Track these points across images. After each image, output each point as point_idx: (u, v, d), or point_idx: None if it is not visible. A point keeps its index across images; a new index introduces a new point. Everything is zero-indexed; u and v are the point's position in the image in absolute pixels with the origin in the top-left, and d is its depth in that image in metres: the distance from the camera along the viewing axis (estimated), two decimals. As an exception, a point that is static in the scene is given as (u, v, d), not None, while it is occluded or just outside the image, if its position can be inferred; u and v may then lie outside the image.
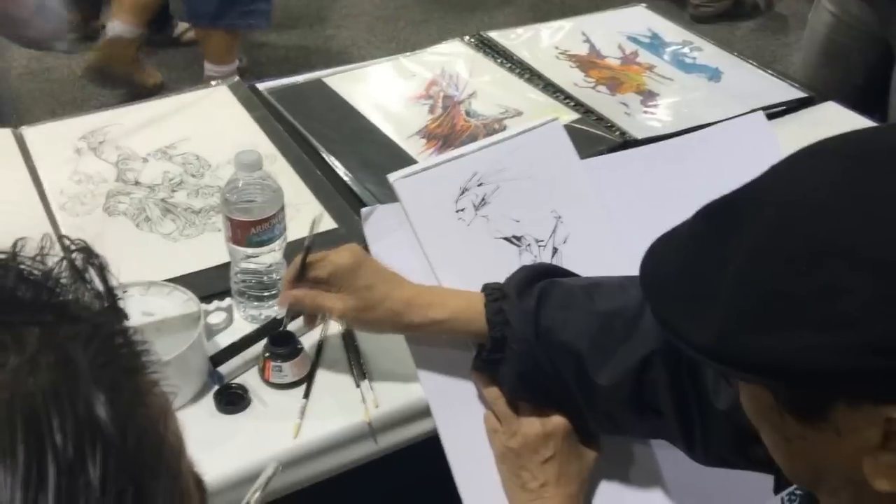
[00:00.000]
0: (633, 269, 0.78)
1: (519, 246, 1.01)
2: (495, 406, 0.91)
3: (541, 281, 0.89)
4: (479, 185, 1.01)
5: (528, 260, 1.00)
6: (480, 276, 0.96)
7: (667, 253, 0.63)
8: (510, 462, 0.90)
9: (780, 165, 0.59)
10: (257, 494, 0.58)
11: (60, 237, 0.41)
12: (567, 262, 1.01)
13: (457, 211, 0.99)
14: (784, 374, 0.54)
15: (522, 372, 0.87)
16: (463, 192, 1.00)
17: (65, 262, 0.39)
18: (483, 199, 1.00)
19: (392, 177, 0.98)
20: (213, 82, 1.53)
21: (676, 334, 0.60)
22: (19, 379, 0.34)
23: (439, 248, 0.97)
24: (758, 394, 0.59)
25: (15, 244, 0.40)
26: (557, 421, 0.89)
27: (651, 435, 0.93)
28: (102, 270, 0.40)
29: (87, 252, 0.40)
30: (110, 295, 0.40)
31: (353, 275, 0.90)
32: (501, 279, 0.93)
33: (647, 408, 0.84)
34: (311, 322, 0.98)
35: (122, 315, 0.40)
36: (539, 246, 1.01)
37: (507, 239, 1.01)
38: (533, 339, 0.85)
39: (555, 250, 1.02)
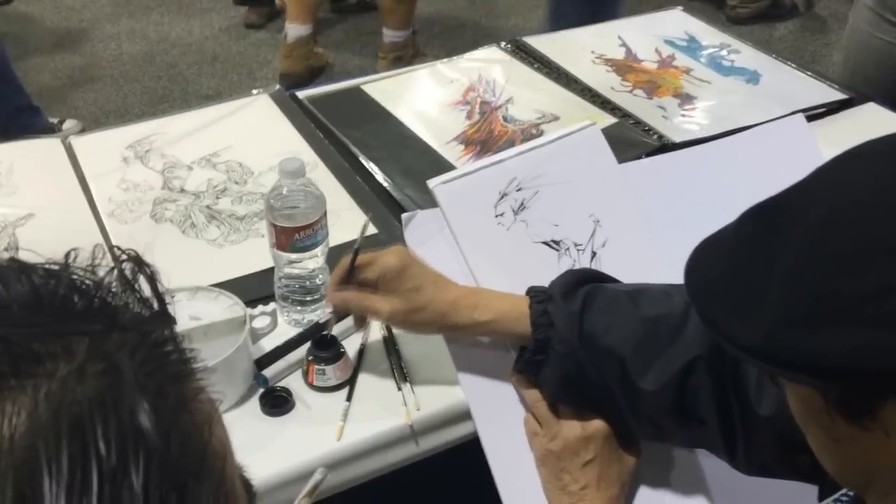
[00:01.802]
0: (671, 273, 0.79)
1: (558, 250, 1.02)
2: (535, 409, 0.92)
3: (585, 285, 0.89)
4: (518, 189, 1.02)
5: (566, 264, 1.01)
6: (520, 281, 0.97)
7: (712, 255, 0.64)
8: (551, 465, 0.90)
9: (826, 167, 0.60)
10: (305, 500, 0.59)
11: (111, 247, 0.42)
12: (606, 266, 1.02)
13: (496, 216, 1.00)
14: (835, 373, 0.55)
15: (565, 375, 0.88)
16: (502, 197, 1.01)
17: (115, 272, 0.41)
18: (522, 204, 1.01)
19: (431, 182, 0.99)
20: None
21: (724, 336, 0.60)
22: (67, 388, 0.35)
23: (479, 252, 0.98)
24: (806, 395, 0.60)
25: (67, 255, 0.41)
26: (597, 424, 0.90)
27: (693, 443, 0.93)
28: (152, 279, 0.42)
29: (138, 261, 0.42)
30: (160, 303, 0.41)
31: (401, 277, 0.91)
32: (541, 283, 0.94)
33: (689, 415, 0.85)
34: (361, 323, 1.00)
35: (171, 322, 0.41)
36: (578, 250, 1.02)
37: (546, 243, 1.02)
38: (577, 343, 0.86)
39: (593, 254, 1.02)
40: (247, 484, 0.43)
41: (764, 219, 0.61)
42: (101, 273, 0.40)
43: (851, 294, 0.53)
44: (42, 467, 0.33)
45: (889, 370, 0.52)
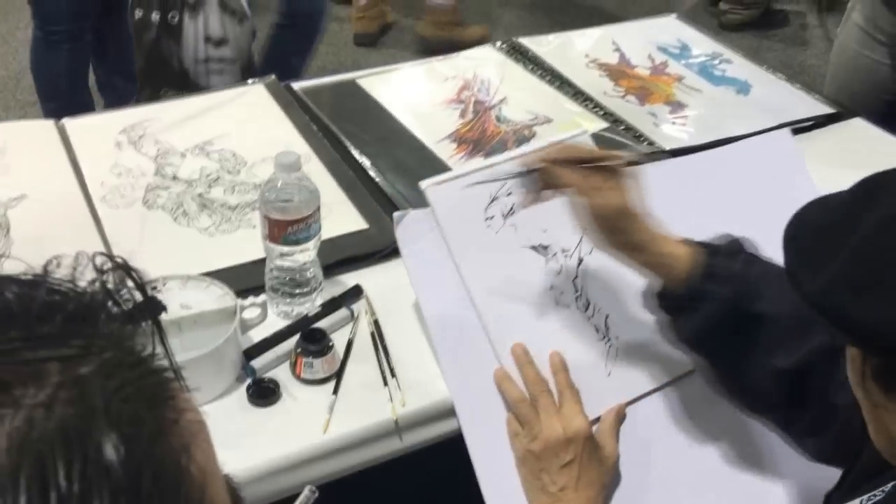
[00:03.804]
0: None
1: (545, 255, 1.03)
2: (517, 409, 0.94)
3: (744, 253, 0.92)
4: (509, 194, 1.03)
5: (553, 269, 1.03)
6: (507, 284, 0.99)
7: (816, 210, 0.69)
8: (531, 465, 0.92)
9: None
10: None
11: (94, 255, 0.39)
12: (592, 272, 1.03)
13: (486, 219, 1.02)
14: (872, 340, 0.60)
15: (708, 327, 0.88)
16: (492, 201, 1.03)
17: (98, 282, 0.38)
18: (511, 209, 1.03)
19: (423, 184, 1.01)
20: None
21: (792, 279, 0.65)
22: (32, 422, 0.33)
23: (468, 255, 1.00)
24: (854, 356, 0.65)
25: (47, 264, 0.39)
26: (578, 425, 0.91)
27: (782, 424, 0.93)
28: (142, 288, 0.40)
29: (126, 268, 0.39)
30: (151, 315, 0.39)
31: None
32: (528, 287, 0.97)
33: (796, 399, 0.86)
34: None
35: (160, 335, 0.40)
36: (565, 256, 1.03)
37: (533, 248, 1.03)
38: (730, 301, 0.88)
39: (580, 260, 1.04)
40: (235, 496, 0.42)
41: (866, 186, 0.65)
42: (83, 283, 0.38)
43: None
44: None
45: None
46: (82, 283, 0.39)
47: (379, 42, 3.50)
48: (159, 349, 0.40)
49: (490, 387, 0.97)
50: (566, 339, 0.99)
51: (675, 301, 0.91)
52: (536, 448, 0.91)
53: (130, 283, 0.40)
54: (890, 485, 0.68)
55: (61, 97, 2.37)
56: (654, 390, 1.01)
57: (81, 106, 2.26)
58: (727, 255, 0.91)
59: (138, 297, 0.40)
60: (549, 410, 0.93)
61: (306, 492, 0.55)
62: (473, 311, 0.99)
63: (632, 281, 1.02)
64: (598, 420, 0.96)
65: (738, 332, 0.88)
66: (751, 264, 0.90)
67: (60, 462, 0.32)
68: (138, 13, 1.83)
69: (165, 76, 1.83)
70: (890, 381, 0.61)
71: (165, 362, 0.39)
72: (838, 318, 0.61)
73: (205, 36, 1.82)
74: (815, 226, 0.67)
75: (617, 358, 1.01)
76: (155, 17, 1.80)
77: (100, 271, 0.39)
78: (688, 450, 1.00)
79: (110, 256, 0.39)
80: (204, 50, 1.82)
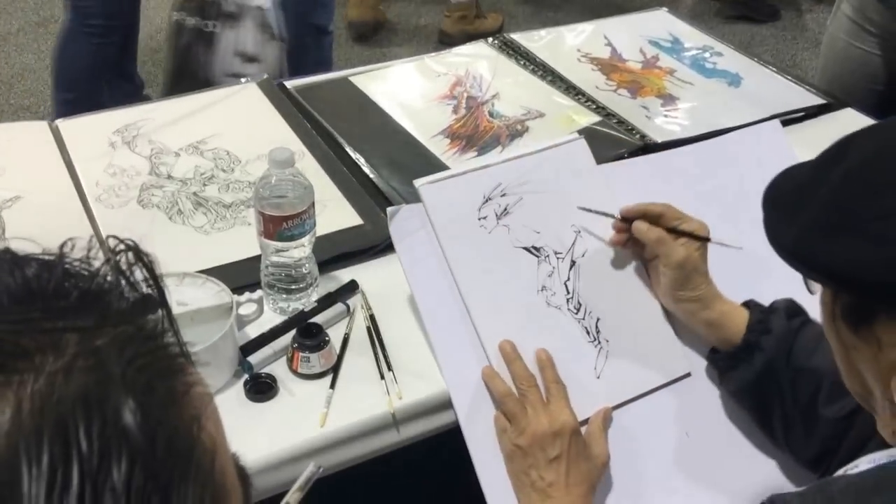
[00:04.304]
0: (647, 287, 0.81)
1: (538, 257, 1.03)
2: (504, 405, 0.94)
3: (801, 316, 0.97)
4: (503, 195, 1.03)
5: (545, 271, 1.03)
6: (498, 283, 1.00)
7: (790, 173, 0.73)
8: (518, 461, 0.92)
9: None
10: (297, 495, 0.58)
11: (108, 237, 0.41)
12: (584, 275, 1.04)
13: (479, 219, 1.02)
14: (839, 279, 0.64)
15: (758, 379, 0.94)
16: (486, 201, 1.03)
17: (110, 263, 0.40)
18: (505, 209, 1.03)
19: (418, 182, 1.01)
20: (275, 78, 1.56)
21: (771, 235, 0.70)
22: (53, 385, 0.35)
23: (460, 254, 1.00)
24: (826, 299, 0.70)
25: (63, 245, 0.40)
26: (565, 420, 0.91)
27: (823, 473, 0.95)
28: (150, 269, 0.41)
29: (136, 251, 0.41)
30: (158, 293, 0.41)
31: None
32: (519, 287, 0.99)
33: (841, 446, 0.89)
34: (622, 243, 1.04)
35: (167, 313, 0.41)
36: (558, 258, 1.04)
37: (526, 249, 1.03)
38: (785, 354, 0.93)
39: (573, 263, 1.04)
40: (242, 474, 0.43)
41: (836, 146, 0.69)
42: (96, 263, 0.40)
43: (866, 213, 0.63)
44: (22, 468, 0.33)
45: (879, 283, 0.61)
46: (95, 264, 0.40)
47: (384, 39, 3.51)
48: (167, 326, 0.41)
49: (477, 361, 0.98)
50: (556, 341, 0.99)
51: (728, 356, 0.97)
52: (524, 443, 0.91)
53: (135, 263, 0.41)
54: (865, 459, 0.69)
55: (79, 89, 2.39)
56: (645, 394, 1.01)
57: (95, 103, 2.27)
58: (784, 314, 0.96)
59: (146, 279, 0.42)
60: (537, 405, 0.93)
61: (311, 467, 0.56)
62: (462, 304, 0.99)
63: (624, 284, 1.04)
64: (586, 421, 0.96)
65: (790, 383, 0.93)
66: (805, 325, 0.96)
67: (81, 423, 0.34)
68: (176, 16, 1.83)
69: (190, 83, 1.81)
70: (857, 319, 0.65)
71: (173, 339, 0.41)
72: (810, 261, 0.66)
73: (238, 51, 1.82)
74: (789, 185, 0.72)
75: (607, 361, 1.01)
76: (192, 22, 1.80)
77: (113, 252, 0.40)
78: (681, 452, 1.00)
79: (122, 240, 0.41)
80: (233, 64, 1.82)
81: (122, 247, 0.40)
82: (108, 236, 0.41)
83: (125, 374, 0.36)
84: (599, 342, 1.01)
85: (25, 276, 0.38)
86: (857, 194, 0.64)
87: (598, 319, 1.02)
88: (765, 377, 0.94)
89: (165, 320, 0.40)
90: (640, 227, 1.00)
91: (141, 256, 0.41)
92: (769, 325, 0.95)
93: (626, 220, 1.02)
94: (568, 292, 1.03)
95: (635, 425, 0.99)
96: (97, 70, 2.42)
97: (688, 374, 1.03)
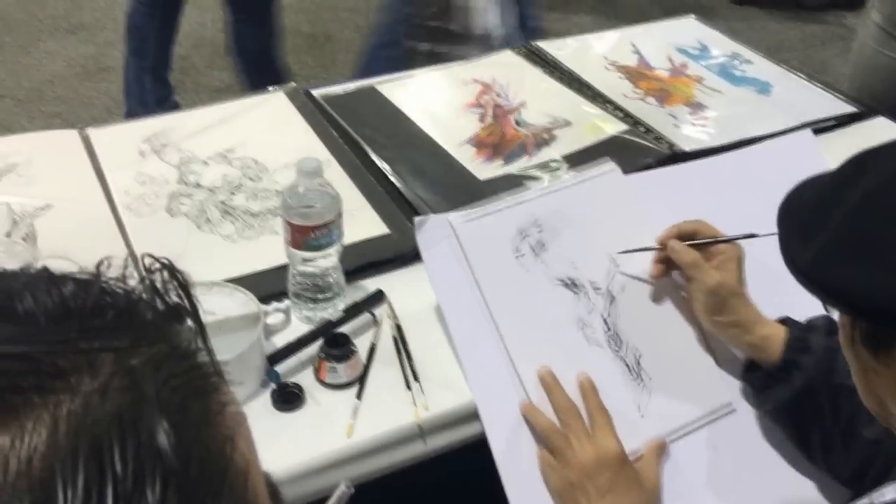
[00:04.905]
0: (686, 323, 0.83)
1: (576, 292, 1.02)
2: (549, 439, 0.92)
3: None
4: (539, 230, 1.03)
5: (584, 306, 1.01)
6: (536, 320, 0.99)
7: (807, 188, 0.71)
8: (568, 495, 0.89)
9: None
10: None
11: (143, 256, 0.42)
12: (623, 309, 1.02)
13: (516, 256, 1.01)
14: (856, 306, 0.63)
15: (797, 398, 0.92)
16: (523, 237, 1.02)
17: (146, 282, 0.40)
18: (542, 244, 1.02)
19: (453, 220, 1.01)
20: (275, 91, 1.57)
21: (786, 254, 0.68)
22: (89, 406, 0.35)
23: (498, 291, 0.99)
24: (844, 323, 0.68)
25: (99, 264, 0.41)
26: (610, 447, 0.90)
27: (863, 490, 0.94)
28: (185, 288, 0.41)
29: (171, 269, 0.41)
30: (192, 313, 0.41)
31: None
32: (557, 323, 0.98)
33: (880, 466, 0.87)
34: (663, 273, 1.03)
35: (202, 333, 0.41)
36: (596, 292, 1.02)
37: (564, 284, 1.02)
38: (825, 373, 0.91)
39: (612, 297, 1.03)
40: (274, 492, 0.43)
41: (855, 162, 0.67)
42: (132, 282, 0.40)
43: (886, 238, 0.61)
44: (58, 489, 0.33)
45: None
46: (131, 283, 0.41)
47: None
48: (201, 345, 0.41)
49: (513, 389, 0.97)
50: (597, 378, 0.96)
51: (766, 375, 0.96)
52: (573, 476, 0.89)
53: (171, 282, 0.42)
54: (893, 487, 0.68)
55: (147, 56, 2.61)
56: (690, 429, 0.99)
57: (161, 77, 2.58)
58: (824, 331, 0.94)
59: (179, 298, 0.42)
60: (581, 435, 0.91)
61: (342, 488, 0.56)
62: (500, 339, 0.97)
63: (664, 317, 1.02)
64: (631, 452, 0.93)
65: (830, 402, 0.91)
66: None
67: (116, 445, 0.34)
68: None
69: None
70: (876, 344, 0.64)
71: (207, 358, 0.41)
72: (827, 286, 0.65)
73: None
74: (806, 202, 0.70)
75: (651, 397, 0.99)
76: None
77: (148, 271, 0.41)
78: (728, 487, 0.98)
79: (157, 258, 0.41)
80: None
81: (157, 265, 0.40)
82: (143, 255, 0.41)
83: (160, 395, 0.36)
84: (642, 379, 1.00)
85: (63, 295, 0.38)
86: (875, 219, 0.63)
87: (639, 355, 1.00)
88: (805, 396, 0.93)
89: (199, 339, 0.40)
90: (674, 246, 0.99)
91: (175, 275, 0.41)
92: (809, 344, 0.93)
93: (663, 246, 1.01)
94: (607, 327, 1.01)
95: (681, 459, 0.97)
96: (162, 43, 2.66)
97: (732, 408, 1.01)
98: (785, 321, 0.97)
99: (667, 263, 1.02)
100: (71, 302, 0.38)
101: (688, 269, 0.98)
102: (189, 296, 0.41)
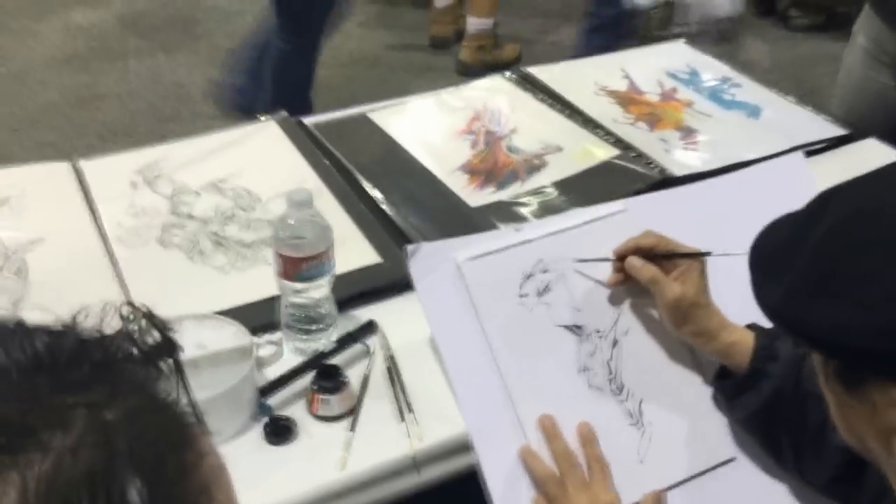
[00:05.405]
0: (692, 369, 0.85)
1: (579, 336, 1.01)
2: (546, 487, 0.91)
3: None
4: (544, 272, 1.02)
5: (587, 350, 1.00)
6: (538, 363, 0.98)
7: (776, 228, 0.72)
8: None
9: (883, 169, 0.69)
10: None
11: (121, 305, 0.41)
12: (627, 354, 1.01)
13: (520, 296, 1.01)
14: (825, 345, 0.63)
15: (767, 405, 0.92)
16: (527, 278, 1.01)
17: (123, 332, 0.40)
18: (547, 287, 1.01)
19: (459, 258, 1.00)
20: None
21: (758, 295, 0.68)
22: (60, 466, 0.34)
23: (501, 331, 0.98)
24: (818, 360, 0.68)
25: (76, 314, 0.40)
26: (606, 500, 0.89)
27: (838, 495, 0.93)
28: (167, 336, 0.41)
29: (150, 317, 0.41)
30: (175, 363, 0.41)
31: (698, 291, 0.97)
32: (559, 367, 0.98)
33: (857, 480, 0.86)
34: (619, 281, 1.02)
35: (183, 383, 0.41)
36: (599, 336, 1.01)
37: (567, 328, 1.01)
38: (793, 380, 0.91)
39: (615, 342, 1.02)
40: None
41: (820, 199, 0.68)
42: (109, 331, 0.40)
43: (848, 276, 0.61)
44: None
45: (866, 349, 0.59)
46: (108, 331, 0.40)
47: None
48: (182, 393, 0.41)
49: (506, 419, 0.96)
50: (597, 423, 0.95)
51: (735, 383, 0.95)
52: None
53: (150, 329, 0.41)
54: None
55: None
56: (689, 479, 0.98)
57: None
58: (789, 338, 0.93)
59: (158, 341, 0.41)
60: (578, 487, 0.90)
61: None
62: (500, 381, 0.96)
63: (668, 363, 1.02)
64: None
65: (798, 409, 0.90)
66: None
67: None
68: None
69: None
70: (849, 380, 0.64)
71: (187, 406, 0.41)
72: (795, 325, 0.65)
73: None
74: (774, 242, 0.70)
75: (651, 444, 0.98)
76: None
77: (125, 320, 0.40)
78: None
79: (134, 306, 0.41)
80: None
81: (135, 313, 0.40)
82: (121, 303, 0.41)
83: (133, 450, 0.36)
84: (643, 425, 0.98)
85: (35, 348, 0.38)
86: (837, 256, 0.63)
87: (641, 401, 0.99)
88: (773, 404, 0.92)
89: (181, 389, 0.40)
90: (633, 262, 0.98)
91: (155, 321, 0.41)
92: (775, 352, 0.93)
93: (621, 260, 1.00)
94: (610, 372, 1.00)
95: None
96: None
97: (732, 458, 1.00)
98: (752, 327, 0.96)
99: (624, 273, 1.01)
100: (45, 356, 0.38)
101: (648, 284, 0.98)
102: (171, 344, 0.41)
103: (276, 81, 2.62)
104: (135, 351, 0.40)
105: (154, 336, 0.41)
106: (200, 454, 0.39)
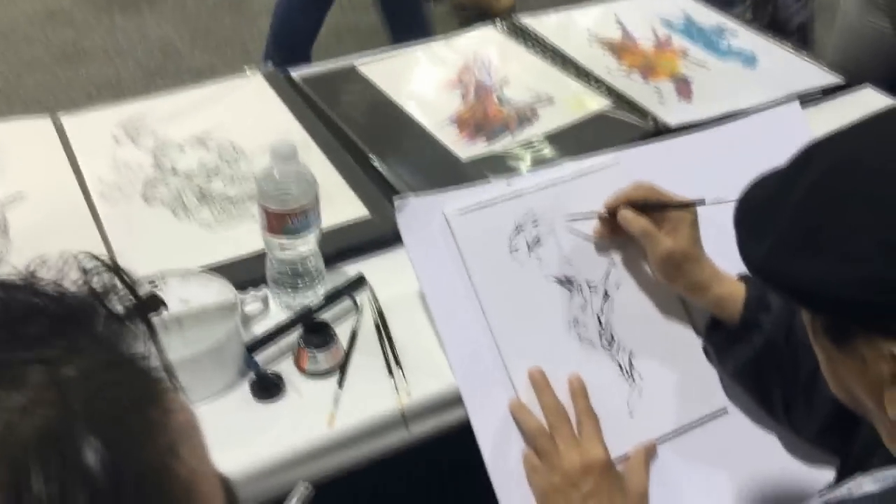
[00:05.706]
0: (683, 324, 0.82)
1: (570, 289, 0.99)
2: (536, 442, 0.91)
3: None
4: (535, 224, 1.00)
5: (578, 303, 0.99)
6: (528, 316, 0.97)
7: (760, 184, 0.71)
8: (551, 499, 0.88)
9: (871, 119, 0.67)
10: None
11: (81, 254, 0.39)
12: (618, 308, 1.00)
13: (511, 251, 0.99)
14: (810, 299, 0.63)
15: (758, 356, 0.91)
16: (518, 232, 1.00)
17: (85, 284, 0.38)
18: (537, 240, 1.00)
19: (448, 212, 0.98)
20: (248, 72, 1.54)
21: (742, 252, 0.68)
22: (12, 425, 0.33)
23: (491, 286, 0.97)
24: (806, 317, 0.68)
25: (29, 265, 0.38)
26: (596, 454, 0.89)
27: (833, 447, 0.93)
28: (132, 289, 0.39)
29: (115, 270, 0.39)
30: (141, 314, 0.39)
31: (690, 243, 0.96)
32: (549, 320, 0.96)
33: (847, 431, 0.85)
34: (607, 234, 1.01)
35: (152, 334, 0.39)
36: (591, 289, 1.00)
37: (558, 280, 1.00)
38: (785, 330, 0.90)
39: (606, 295, 1.01)
40: (230, 496, 0.41)
41: (804, 154, 0.67)
42: (71, 284, 0.37)
43: (832, 230, 0.60)
44: None
45: (852, 302, 0.59)
46: (71, 285, 0.38)
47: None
48: (151, 348, 0.39)
49: (496, 372, 0.95)
50: (588, 377, 0.95)
51: (726, 335, 0.94)
52: (557, 481, 0.88)
53: (117, 282, 0.39)
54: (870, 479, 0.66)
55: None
56: (680, 432, 0.97)
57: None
58: None
59: (132, 296, 0.39)
60: (568, 440, 0.90)
61: (302, 487, 0.54)
62: (490, 335, 0.96)
63: (659, 317, 1.01)
64: (619, 456, 0.92)
65: (790, 360, 0.90)
66: None
67: (37, 467, 0.32)
68: None
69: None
70: (837, 335, 0.63)
71: (157, 362, 0.39)
72: (782, 282, 0.64)
73: None
74: (757, 200, 0.70)
75: (641, 397, 0.97)
76: None
77: (84, 272, 0.38)
78: (718, 492, 0.96)
79: (97, 257, 0.39)
80: None
81: (98, 265, 0.38)
82: (82, 253, 0.39)
83: (91, 409, 0.34)
84: (633, 378, 0.98)
85: None
86: (819, 211, 0.62)
87: (631, 354, 0.99)
88: (764, 355, 0.91)
89: (149, 344, 0.38)
90: (625, 215, 0.96)
91: (121, 274, 0.38)
92: (767, 302, 0.92)
93: (612, 214, 0.98)
94: (601, 326, 0.99)
95: (669, 461, 0.96)
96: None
97: (724, 410, 1.00)
98: (745, 278, 0.95)
99: (612, 226, 1.00)
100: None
101: (640, 238, 0.96)
102: (137, 296, 0.39)
103: (276, 32, 2.59)
104: (98, 305, 0.38)
105: (122, 289, 0.39)
106: (167, 411, 0.37)
